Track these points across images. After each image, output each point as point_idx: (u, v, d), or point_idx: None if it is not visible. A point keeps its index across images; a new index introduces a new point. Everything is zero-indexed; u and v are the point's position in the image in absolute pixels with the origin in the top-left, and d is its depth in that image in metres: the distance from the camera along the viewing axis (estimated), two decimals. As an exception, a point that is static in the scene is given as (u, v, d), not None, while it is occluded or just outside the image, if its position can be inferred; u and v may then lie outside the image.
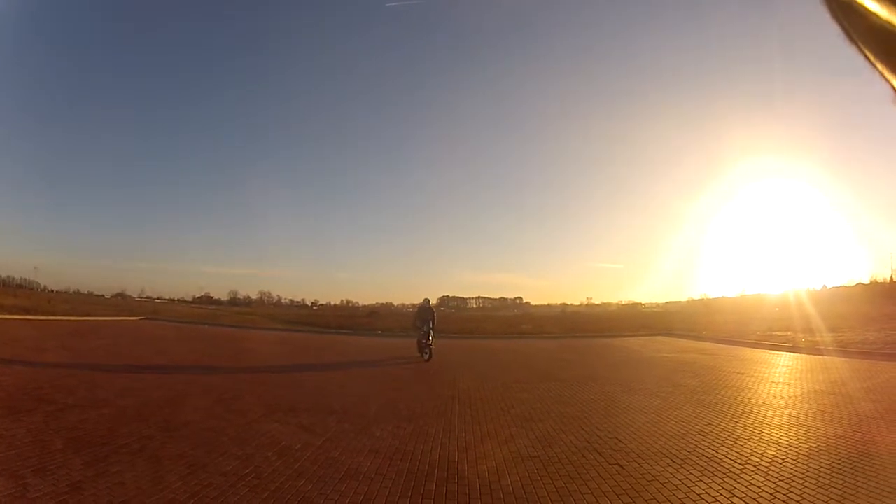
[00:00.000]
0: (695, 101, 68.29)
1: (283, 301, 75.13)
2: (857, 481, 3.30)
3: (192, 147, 78.67)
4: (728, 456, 3.92)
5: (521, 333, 22.64)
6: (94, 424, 4.41)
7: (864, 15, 0.41)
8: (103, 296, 57.69)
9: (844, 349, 11.93)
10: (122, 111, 75.48)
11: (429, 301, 11.61)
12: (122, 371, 8.22)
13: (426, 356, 10.62)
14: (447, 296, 75.72)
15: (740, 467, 3.64)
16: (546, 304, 72.79)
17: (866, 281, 42.14)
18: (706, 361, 10.75)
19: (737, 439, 4.42)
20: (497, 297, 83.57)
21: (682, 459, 3.83)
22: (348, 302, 70.88)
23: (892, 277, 40.35)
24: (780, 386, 7.38)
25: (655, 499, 3.08)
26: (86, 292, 57.52)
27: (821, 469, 3.58)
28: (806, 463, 3.73)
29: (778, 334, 16.81)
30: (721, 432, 4.66)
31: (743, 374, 8.76)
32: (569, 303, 70.41)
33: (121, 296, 60.83)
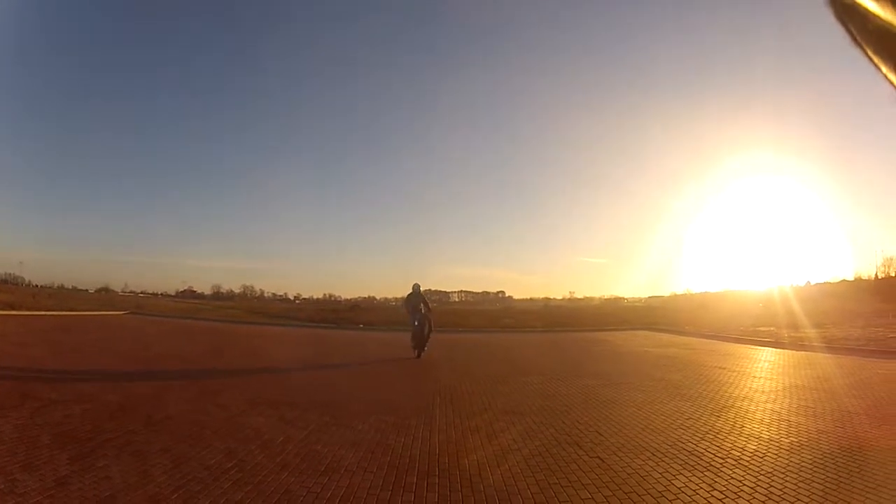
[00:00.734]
0: (681, 97, 68.89)
1: (265, 295, 74.99)
2: (840, 476, 3.34)
3: (175, 142, 77.93)
4: (709, 450, 3.96)
5: (503, 327, 22.58)
6: (78, 420, 4.38)
7: (865, 16, 0.42)
8: (87, 290, 57.05)
9: (829, 345, 12.07)
10: (105, 107, 74.37)
11: (419, 286, 10.49)
12: (108, 366, 8.13)
13: (417, 353, 9.80)
14: (429, 289, 75.77)
15: (721, 461, 3.68)
16: (529, 298, 73.44)
17: (851, 277, 42.92)
18: (688, 356, 10.80)
19: (717, 433, 4.48)
20: (479, 290, 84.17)
21: (663, 453, 3.87)
22: (330, 296, 70.85)
23: (877, 274, 41.17)
24: (762, 381, 7.48)
25: (635, 492, 3.11)
26: (70, 287, 56.89)
27: (802, 464, 3.61)
28: (787, 458, 3.76)
29: (762, 330, 17.03)
30: (702, 426, 4.71)
31: (725, 368, 8.86)
32: (552, 297, 71.06)
33: (105, 290, 60.20)
